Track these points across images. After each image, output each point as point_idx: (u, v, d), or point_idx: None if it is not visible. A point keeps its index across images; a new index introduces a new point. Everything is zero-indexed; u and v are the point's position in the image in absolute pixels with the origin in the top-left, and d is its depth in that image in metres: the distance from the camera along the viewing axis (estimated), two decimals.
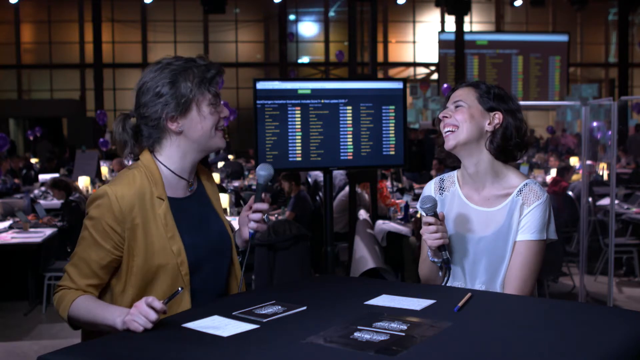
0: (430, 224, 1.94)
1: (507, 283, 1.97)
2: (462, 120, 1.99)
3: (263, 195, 1.88)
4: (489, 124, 2.00)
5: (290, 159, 3.38)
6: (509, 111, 2.01)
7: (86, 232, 1.77)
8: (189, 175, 1.87)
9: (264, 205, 1.84)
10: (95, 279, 1.77)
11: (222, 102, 1.84)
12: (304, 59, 21.97)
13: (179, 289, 1.60)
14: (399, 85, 3.52)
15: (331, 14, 21.65)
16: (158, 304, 1.53)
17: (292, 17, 21.82)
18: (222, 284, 1.92)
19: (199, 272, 1.83)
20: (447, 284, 2.02)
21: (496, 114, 2.01)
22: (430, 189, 2.15)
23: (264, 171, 1.86)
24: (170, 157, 1.83)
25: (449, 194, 2.10)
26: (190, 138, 1.80)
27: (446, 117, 2.02)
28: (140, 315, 1.53)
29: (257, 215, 1.84)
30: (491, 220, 2.01)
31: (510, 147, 2.01)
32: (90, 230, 1.75)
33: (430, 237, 1.94)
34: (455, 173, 2.13)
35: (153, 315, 1.52)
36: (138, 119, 1.82)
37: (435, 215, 1.94)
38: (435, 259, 2.02)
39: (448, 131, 2.01)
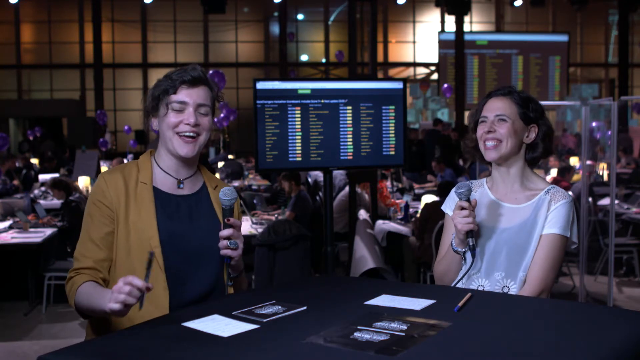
0: (463, 208, 2.00)
1: (530, 274, 2.03)
2: (506, 136, 2.07)
3: (227, 220, 1.84)
4: (526, 136, 2.11)
5: (290, 159, 3.38)
6: (544, 123, 2.13)
7: (85, 215, 1.91)
8: (177, 174, 1.95)
9: (227, 232, 1.83)
10: (101, 252, 1.86)
11: (188, 110, 1.87)
12: (304, 57, 21.97)
13: (151, 253, 1.62)
14: (399, 85, 3.52)
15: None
16: (137, 282, 1.56)
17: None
18: (208, 279, 1.92)
19: (177, 259, 1.86)
20: (467, 273, 2.07)
21: (533, 127, 2.11)
22: None
23: (227, 197, 1.85)
24: (160, 156, 1.97)
25: (476, 194, 2.19)
26: (162, 137, 1.93)
27: (491, 131, 2.08)
28: (114, 293, 1.57)
29: (223, 243, 1.84)
30: (517, 214, 2.09)
31: (546, 155, 2.15)
32: (87, 212, 1.90)
33: (461, 221, 2.00)
34: (483, 179, 2.24)
35: (126, 288, 1.55)
36: None
37: (468, 200, 2.01)
38: (459, 247, 2.07)
39: (491, 145, 2.09)
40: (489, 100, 2.13)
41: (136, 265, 1.84)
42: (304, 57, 22.03)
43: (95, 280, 1.84)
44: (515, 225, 2.07)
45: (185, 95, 1.86)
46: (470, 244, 2.02)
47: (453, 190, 2.08)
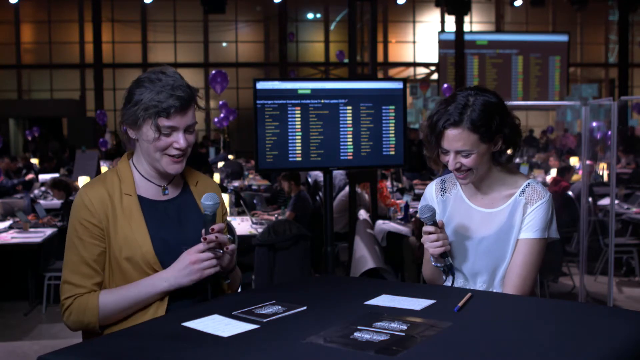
0: (430, 233, 1.95)
1: (507, 281, 1.98)
2: (475, 165, 1.95)
3: (211, 230, 1.80)
4: (494, 147, 1.97)
5: (290, 159, 3.38)
6: (504, 124, 1.96)
7: (71, 237, 1.83)
8: (159, 181, 1.91)
9: (210, 237, 1.79)
10: (97, 276, 1.81)
11: (177, 134, 1.81)
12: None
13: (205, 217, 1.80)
14: (399, 85, 3.52)
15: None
16: (202, 245, 1.76)
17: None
18: (204, 282, 1.88)
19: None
20: (451, 287, 2.03)
21: (498, 136, 1.96)
22: (431, 190, 2.15)
23: (210, 201, 1.80)
24: (139, 162, 1.91)
25: (450, 196, 2.11)
26: (142, 149, 1.87)
27: (457, 168, 1.96)
28: (202, 262, 1.76)
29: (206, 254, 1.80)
30: (493, 220, 2.02)
31: (513, 156, 2.02)
32: (74, 234, 1.82)
33: (431, 245, 1.96)
34: None
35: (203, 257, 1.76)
36: None
37: (434, 223, 1.96)
38: (438, 264, 2.03)
39: (462, 175, 1.98)
40: (445, 132, 1.92)
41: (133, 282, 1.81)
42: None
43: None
44: (492, 234, 2.00)
45: (177, 120, 1.79)
46: (447, 262, 1.99)
47: (418, 212, 2.00)
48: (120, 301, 1.77)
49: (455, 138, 1.91)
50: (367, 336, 1.39)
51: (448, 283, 2.06)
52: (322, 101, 3.39)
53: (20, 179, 9.73)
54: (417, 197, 7.76)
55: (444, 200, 2.11)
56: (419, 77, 21.69)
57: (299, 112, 3.37)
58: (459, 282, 2.06)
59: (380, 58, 20.97)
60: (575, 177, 8.24)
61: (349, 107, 3.42)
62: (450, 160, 1.95)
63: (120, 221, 1.81)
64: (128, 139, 1.88)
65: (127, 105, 1.82)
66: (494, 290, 2.02)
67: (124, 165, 1.91)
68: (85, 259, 1.80)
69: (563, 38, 20.34)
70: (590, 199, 6.26)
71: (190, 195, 1.96)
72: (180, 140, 1.81)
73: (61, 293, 1.82)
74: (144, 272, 1.81)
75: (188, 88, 1.82)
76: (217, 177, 8.55)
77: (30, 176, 9.95)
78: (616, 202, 6.24)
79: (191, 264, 1.76)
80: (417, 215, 2.02)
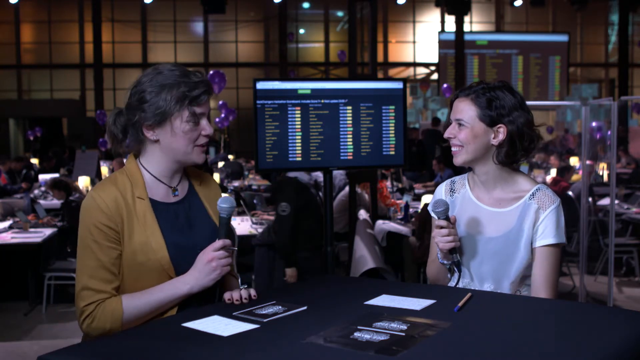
0: (442, 227, 1.95)
1: (538, 289, 1.98)
2: (466, 141, 1.98)
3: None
4: (493, 138, 1.98)
5: (290, 159, 3.37)
6: (512, 122, 1.97)
7: (86, 241, 1.77)
8: (170, 181, 1.88)
9: (221, 242, 1.79)
10: (116, 280, 1.77)
11: (204, 121, 1.82)
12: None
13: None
14: (399, 85, 3.51)
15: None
16: (219, 243, 1.76)
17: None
18: (214, 286, 1.86)
19: (185, 272, 1.81)
20: (456, 285, 2.03)
21: (500, 128, 1.97)
22: (441, 191, 2.16)
23: (226, 204, 1.78)
24: (150, 162, 1.86)
25: (459, 196, 2.11)
26: (165, 148, 1.82)
27: (450, 137, 2.01)
28: (219, 259, 1.75)
29: (222, 253, 1.79)
30: (502, 221, 2.01)
31: (517, 157, 2.01)
32: (89, 237, 1.77)
33: (442, 240, 1.95)
34: (466, 176, 2.15)
35: (221, 261, 1.76)
36: (125, 118, 1.84)
37: (447, 218, 1.96)
38: (445, 261, 2.03)
39: (454, 150, 2.02)
40: (455, 100, 2.04)
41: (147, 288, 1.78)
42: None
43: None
44: (501, 235, 1.99)
45: (206, 106, 1.80)
46: (455, 260, 1.98)
47: (430, 206, 2.01)
48: (143, 306, 1.74)
49: (458, 107, 2.01)
50: (367, 336, 1.39)
51: (453, 282, 2.06)
52: (322, 101, 3.39)
53: (19, 185, 9.75)
54: (417, 197, 7.77)
55: (453, 200, 2.11)
56: (419, 77, 21.70)
57: (299, 112, 3.36)
58: (464, 282, 2.06)
59: (380, 58, 20.97)
60: (575, 177, 8.25)
61: (349, 107, 3.42)
62: (449, 127, 2.02)
63: (135, 225, 1.77)
64: (141, 139, 1.83)
65: (144, 105, 1.78)
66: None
67: (133, 167, 1.86)
68: (103, 263, 1.74)
69: (563, 38, 20.34)
70: (590, 199, 6.27)
71: (196, 196, 1.93)
72: (206, 126, 1.83)
73: (79, 300, 1.74)
74: (155, 277, 1.77)
75: (202, 73, 1.83)
76: (217, 177, 8.55)
77: (25, 185, 9.95)
78: (616, 202, 6.24)
79: (209, 262, 1.75)
80: (430, 209, 2.01)
